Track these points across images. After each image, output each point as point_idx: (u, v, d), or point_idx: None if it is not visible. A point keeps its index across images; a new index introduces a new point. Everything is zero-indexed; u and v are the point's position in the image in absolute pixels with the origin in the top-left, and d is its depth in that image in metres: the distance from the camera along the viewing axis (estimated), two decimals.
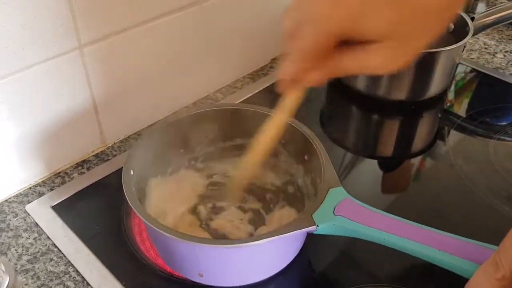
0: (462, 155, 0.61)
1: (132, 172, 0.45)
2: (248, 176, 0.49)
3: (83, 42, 0.52)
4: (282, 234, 0.39)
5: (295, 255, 0.47)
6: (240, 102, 0.69)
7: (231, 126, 0.54)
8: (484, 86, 0.75)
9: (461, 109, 0.71)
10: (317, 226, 0.41)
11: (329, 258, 0.49)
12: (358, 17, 0.29)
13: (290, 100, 0.40)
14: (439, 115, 0.70)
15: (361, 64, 0.32)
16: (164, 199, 0.52)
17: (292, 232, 0.40)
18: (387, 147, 0.67)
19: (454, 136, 0.66)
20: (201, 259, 0.41)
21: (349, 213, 0.41)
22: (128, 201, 0.42)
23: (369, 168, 0.62)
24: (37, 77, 0.51)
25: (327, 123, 0.68)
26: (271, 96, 0.71)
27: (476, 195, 0.55)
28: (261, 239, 0.39)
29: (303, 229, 0.40)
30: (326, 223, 0.41)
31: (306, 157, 0.51)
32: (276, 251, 0.44)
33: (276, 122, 0.43)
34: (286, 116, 0.41)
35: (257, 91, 0.72)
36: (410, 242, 0.39)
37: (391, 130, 0.70)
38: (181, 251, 0.42)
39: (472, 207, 0.55)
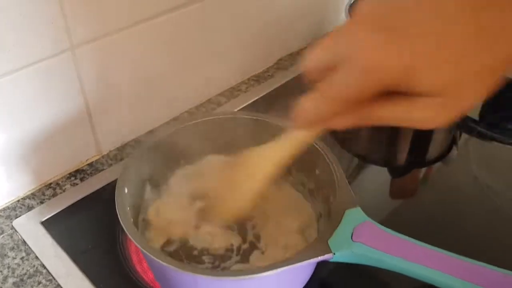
0: (484, 165, 0.58)
1: (126, 190, 0.42)
2: (241, 208, 0.44)
3: (75, 42, 0.49)
4: (294, 263, 0.35)
5: (304, 284, 0.43)
6: (245, 107, 0.66)
7: (234, 135, 0.50)
8: (505, 90, 0.70)
9: (481, 114, 0.66)
10: (334, 254, 0.37)
11: (341, 285, 0.45)
12: (413, 70, 0.26)
13: (301, 136, 0.36)
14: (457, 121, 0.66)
15: (403, 116, 0.29)
16: (164, 213, 0.49)
17: (306, 261, 0.36)
18: (400, 154, 0.63)
19: (473, 144, 0.62)
20: None
21: (370, 239, 0.37)
22: (123, 225, 0.39)
23: (380, 177, 0.58)
24: (25, 80, 0.48)
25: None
26: (278, 101, 0.67)
27: (504, 212, 0.51)
28: (271, 269, 0.35)
29: (318, 258, 0.36)
30: (343, 251, 0.37)
31: (317, 172, 0.46)
32: (285, 282, 0.40)
33: (279, 153, 0.39)
34: (289, 151, 0.38)
35: (262, 94, 0.68)
36: (441, 274, 0.35)
37: (405, 135, 0.65)
38: (181, 281, 0.38)
39: (498, 224, 0.51)
